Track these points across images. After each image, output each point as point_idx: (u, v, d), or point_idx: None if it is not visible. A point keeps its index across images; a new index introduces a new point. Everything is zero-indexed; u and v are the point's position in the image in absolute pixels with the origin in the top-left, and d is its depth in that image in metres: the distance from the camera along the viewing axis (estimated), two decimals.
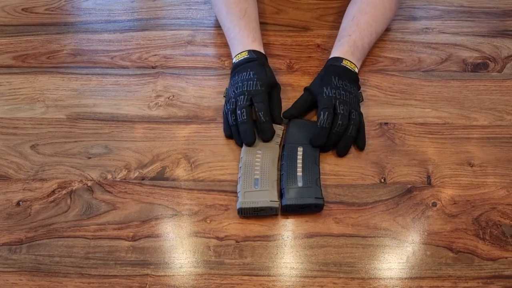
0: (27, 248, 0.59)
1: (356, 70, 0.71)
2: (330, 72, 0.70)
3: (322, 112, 0.64)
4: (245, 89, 0.66)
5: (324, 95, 0.66)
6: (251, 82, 0.67)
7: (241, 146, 0.66)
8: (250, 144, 0.64)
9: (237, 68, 0.71)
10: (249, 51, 0.71)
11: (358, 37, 0.74)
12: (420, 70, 0.77)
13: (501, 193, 0.63)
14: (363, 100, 0.71)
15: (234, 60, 0.72)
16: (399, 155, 0.67)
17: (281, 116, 0.68)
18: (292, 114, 0.68)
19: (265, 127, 0.64)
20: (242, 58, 0.71)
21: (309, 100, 0.69)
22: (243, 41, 0.73)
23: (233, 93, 0.67)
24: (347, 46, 0.72)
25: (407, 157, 0.66)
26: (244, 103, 0.65)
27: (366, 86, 0.75)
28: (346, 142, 0.65)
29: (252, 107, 0.66)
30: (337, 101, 0.65)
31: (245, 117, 0.64)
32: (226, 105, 0.68)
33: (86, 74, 0.78)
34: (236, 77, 0.69)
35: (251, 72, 0.68)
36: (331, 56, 0.73)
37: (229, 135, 0.68)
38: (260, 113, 0.64)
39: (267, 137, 0.65)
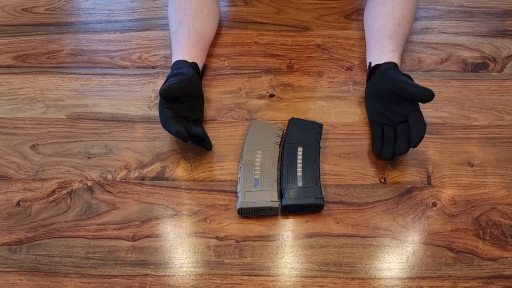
0: (27, 248, 0.59)
1: None
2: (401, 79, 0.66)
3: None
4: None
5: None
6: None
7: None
8: (185, 139, 0.61)
9: None
10: (171, 67, 0.70)
11: (403, 49, 0.74)
12: (420, 70, 0.77)
13: (501, 193, 0.63)
14: None
15: None
16: None
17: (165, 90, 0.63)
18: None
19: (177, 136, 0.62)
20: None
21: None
22: (173, 56, 0.73)
23: None
24: (398, 55, 0.72)
25: (407, 157, 0.66)
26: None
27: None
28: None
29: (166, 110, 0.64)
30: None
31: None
32: None
33: (86, 74, 0.78)
34: None
35: None
36: (392, 60, 0.70)
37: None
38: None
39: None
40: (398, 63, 0.70)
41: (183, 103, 0.65)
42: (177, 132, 0.61)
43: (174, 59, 0.71)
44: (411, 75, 0.75)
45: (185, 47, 0.72)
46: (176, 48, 0.73)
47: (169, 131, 0.62)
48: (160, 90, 0.63)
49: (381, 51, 0.72)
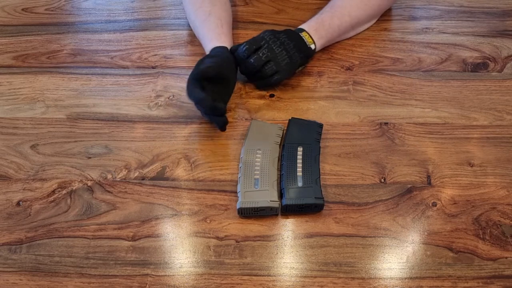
0: (27, 248, 0.59)
1: (312, 46, 0.73)
2: (284, 31, 0.72)
3: (245, 42, 0.69)
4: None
5: (262, 33, 0.71)
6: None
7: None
8: (207, 108, 0.64)
9: None
10: (209, 52, 0.71)
11: (328, 16, 0.76)
12: (420, 70, 0.77)
13: (501, 193, 0.63)
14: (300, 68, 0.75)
15: None
16: (399, 155, 0.67)
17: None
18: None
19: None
20: None
21: None
22: (205, 43, 0.74)
23: None
24: (313, 22, 0.75)
25: (407, 157, 0.66)
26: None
27: (366, 86, 0.75)
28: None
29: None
30: (267, 45, 0.69)
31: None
32: None
33: (86, 74, 0.78)
34: None
35: None
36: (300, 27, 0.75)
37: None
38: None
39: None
40: (305, 27, 0.74)
41: (213, 83, 0.66)
42: (202, 99, 0.62)
43: (210, 46, 0.72)
44: (411, 75, 0.76)
45: (220, 35, 0.74)
46: (208, 36, 0.74)
47: (194, 98, 0.63)
48: (192, 74, 0.65)
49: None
